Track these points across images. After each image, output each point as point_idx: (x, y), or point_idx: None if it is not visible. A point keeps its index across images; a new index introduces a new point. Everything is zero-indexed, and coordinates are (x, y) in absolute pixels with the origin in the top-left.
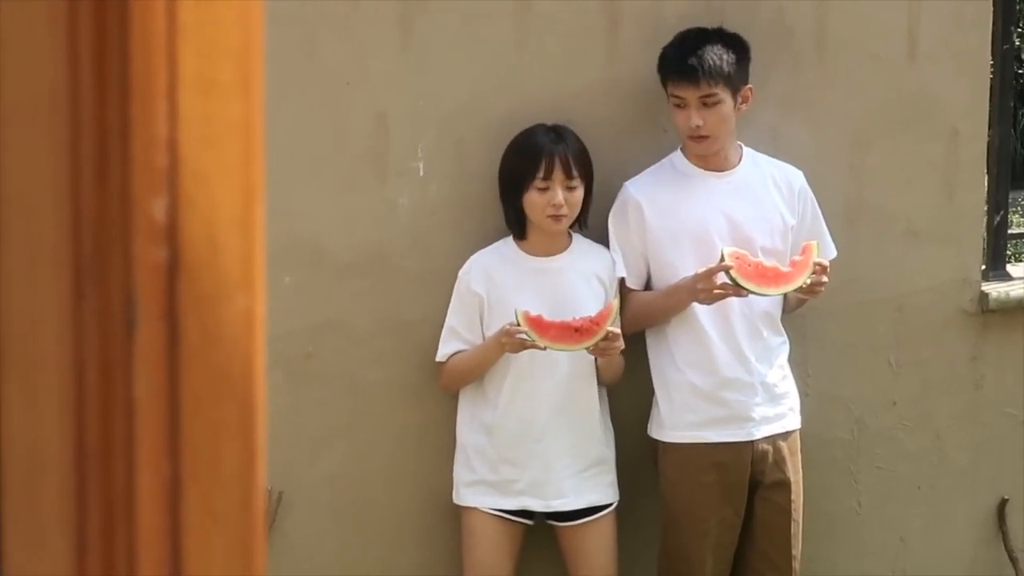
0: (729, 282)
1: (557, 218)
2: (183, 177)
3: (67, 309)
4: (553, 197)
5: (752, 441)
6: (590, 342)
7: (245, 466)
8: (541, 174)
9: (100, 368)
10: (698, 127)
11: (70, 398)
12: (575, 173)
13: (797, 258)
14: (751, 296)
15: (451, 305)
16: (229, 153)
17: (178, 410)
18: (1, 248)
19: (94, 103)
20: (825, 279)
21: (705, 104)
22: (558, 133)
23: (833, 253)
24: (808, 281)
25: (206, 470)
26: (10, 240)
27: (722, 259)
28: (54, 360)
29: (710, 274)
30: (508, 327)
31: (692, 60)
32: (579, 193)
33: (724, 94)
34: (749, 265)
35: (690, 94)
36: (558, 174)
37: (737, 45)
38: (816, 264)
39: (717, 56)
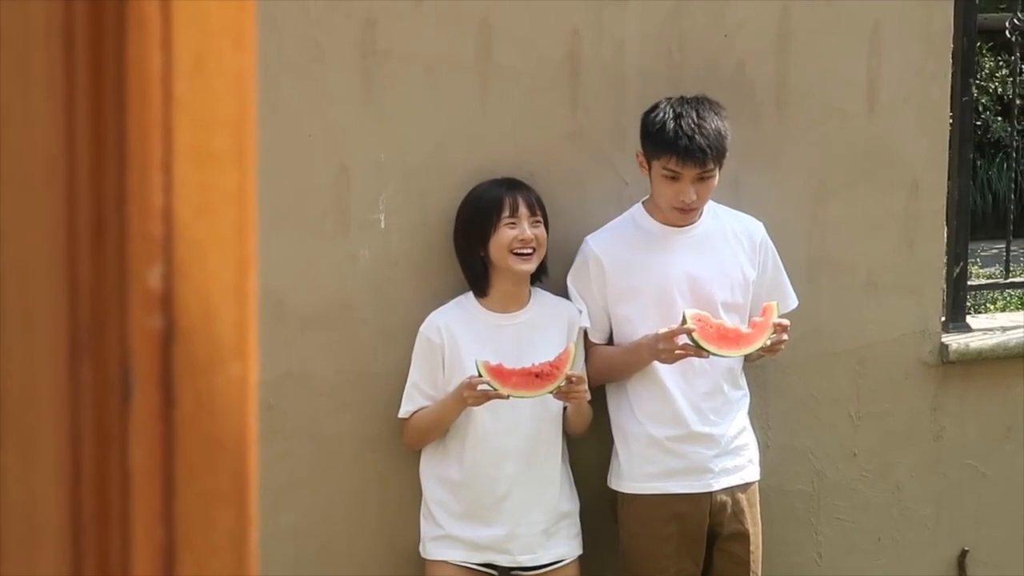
0: (691, 343)
1: (525, 257)
2: (178, 246)
3: (63, 376)
4: (521, 231)
5: (710, 492)
6: (552, 386)
7: (239, 532)
8: (507, 212)
9: (96, 435)
10: (692, 201)
11: (66, 465)
12: (537, 211)
13: (758, 319)
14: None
15: (413, 362)
16: (224, 222)
17: (173, 477)
18: None
19: (90, 173)
20: (786, 337)
21: (701, 179)
22: (511, 181)
23: (794, 303)
24: (768, 341)
25: (200, 536)
26: (7, 308)
27: (684, 321)
28: (50, 427)
29: (672, 335)
30: (469, 380)
31: (700, 140)
32: (543, 231)
33: (718, 168)
34: (710, 327)
35: (690, 172)
36: (523, 210)
37: (723, 113)
38: (776, 324)
39: (720, 134)
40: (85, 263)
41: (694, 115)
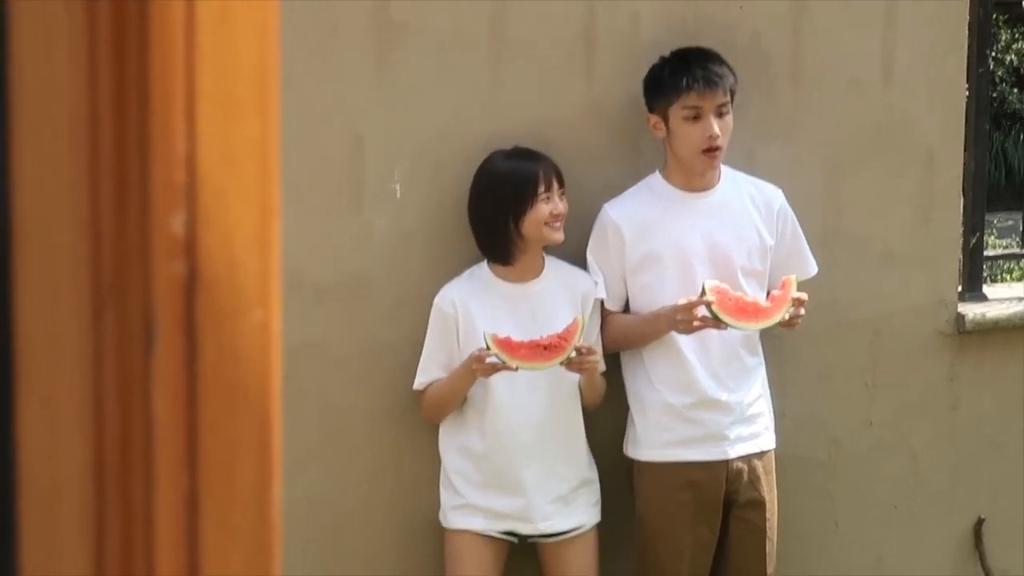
0: (709, 315)
1: (557, 228)
2: (202, 193)
3: (87, 325)
4: (555, 207)
5: (727, 460)
6: (561, 358)
7: (261, 481)
8: (542, 188)
9: (119, 384)
10: (717, 135)
11: (89, 414)
12: (563, 182)
13: (776, 293)
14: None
15: (428, 334)
16: (247, 170)
17: (196, 426)
18: (22, 263)
19: (113, 121)
20: (803, 311)
21: (720, 114)
22: (528, 151)
23: (814, 270)
24: (787, 316)
25: (223, 485)
26: (30, 258)
27: (703, 292)
28: (74, 376)
29: (691, 307)
30: (477, 352)
31: (713, 67)
32: (566, 201)
33: (731, 103)
34: (729, 299)
35: (709, 103)
36: (555, 184)
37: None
38: (794, 298)
39: (727, 64)
40: (108, 211)
41: (697, 53)
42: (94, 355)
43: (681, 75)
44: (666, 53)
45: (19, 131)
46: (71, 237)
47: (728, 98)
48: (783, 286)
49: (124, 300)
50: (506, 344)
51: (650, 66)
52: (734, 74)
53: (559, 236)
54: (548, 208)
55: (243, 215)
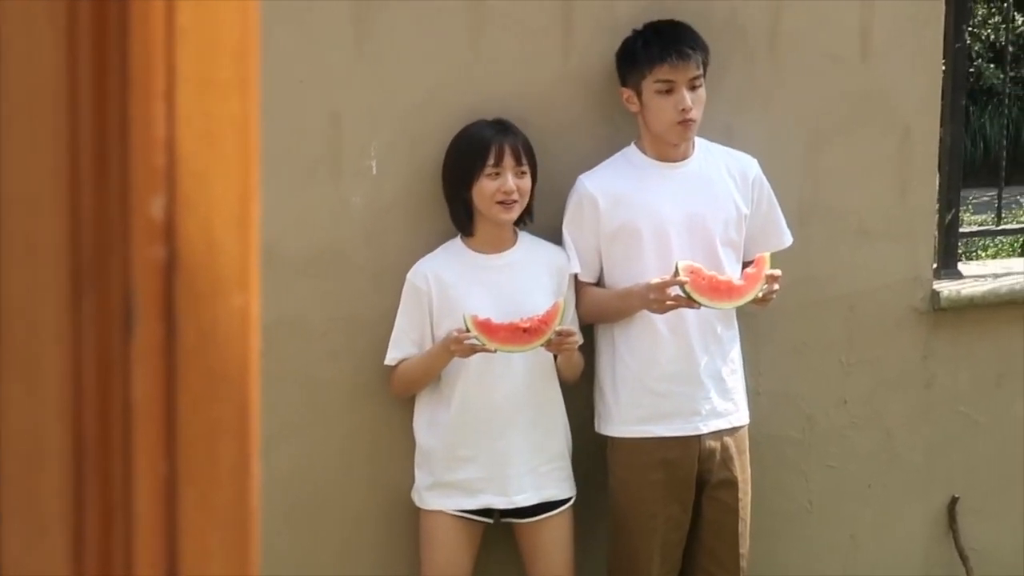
0: (682, 294)
1: (507, 205)
2: (181, 176)
3: (66, 307)
4: (504, 183)
5: (699, 436)
6: (540, 341)
7: (241, 463)
8: (491, 161)
9: (99, 366)
10: (690, 107)
11: (69, 396)
12: (524, 160)
13: (750, 271)
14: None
15: (400, 308)
16: (227, 152)
17: (175, 408)
18: (1, 247)
19: (93, 103)
20: (777, 287)
21: (693, 87)
22: (501, 124)
23: (789, 240)
24: (761, 293)
25: (202, 467)
26: (10, 239)
27: (676, 273)
28: (53, 358)
29: (664, 286)
30: (456, 334)
31: (686, 39)
32: (528, 181)
33: (703, 76)
34: (703, 278)
35: (681, 76)
36: (508, 160)
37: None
38: (768, 275)
39: (698, 40)
40: (88, 194)
41: (670, 26)
42: (73, 338)
43: (653, 49)
44: (639, 26)
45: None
46: (51, 221)
47: (701, 71)
48: (757, 263)
49: (104, 284)
50: (486, 326)
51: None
52: (707, 47)
53: (506, 216)
54: (495, 184)
55: (223, 197)
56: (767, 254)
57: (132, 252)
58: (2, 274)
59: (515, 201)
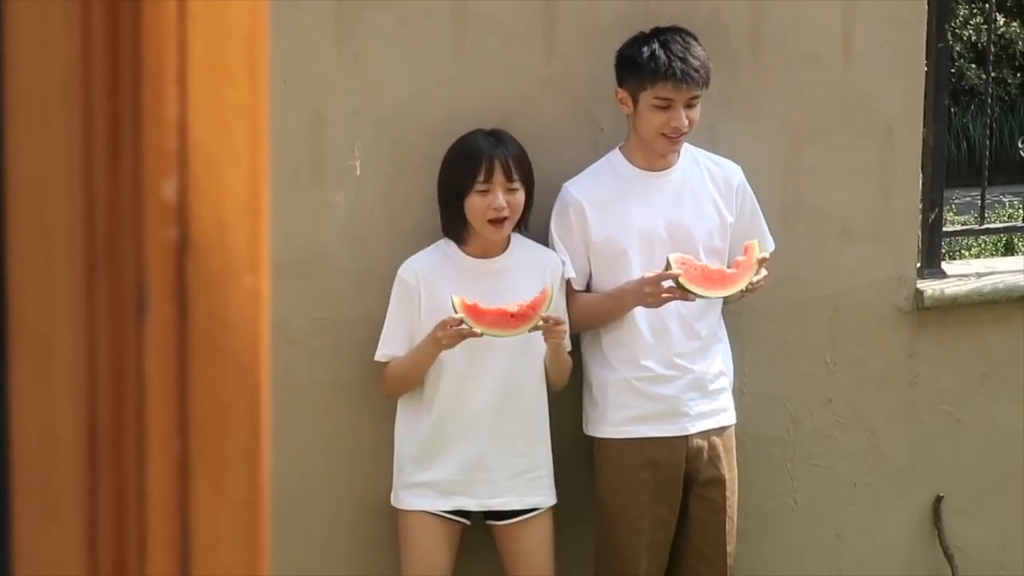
0: (675, 286)
1: (498, 223)
2: (193, 159)
3: (80, 290)
4: (494, 200)
5: (687, 437)
6: (527, 327)
7: (251, 445)
8: (481, 177)
9: (112, 348)
10: (683, 127)
11: (83, 378)
12: (515, 176)
13: (740, 258)
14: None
15: (390, 305)
16: (237, 136)
17: (187, 390)
18: (15, 230)
19: (106, 88)
20: (765, 272)
21: (690, 105)
22: (496, 137)
23: (772, 246)
24: (753, 279)
25: (214, 449)
26: (24, 222)
27: (668, 266)
28: (67, 339)
29: (658, 279)
30: (444, 320)
31: (693, 62)
32: (520, 196)
33: (701, 95)
34: (695, 269)
35: (682, 96)
36: (498, 177)
37: (699, 40)
38: (757, 260)
39: (706, 57)
40: (101, 177)
41: (680, 40)
42: (87, 320)
43: (659, 63)
44: (630, 29)
45: (12, 98)
46: (64, 203)
47: (701, 90)
48: (746, 251)
49: (117, 266)
50: (473, 310)
51: (612, 40)
52: (710, 66)
53: (496, 235)
54: (485, 202)
55: (234, 181)
56: (756, 242)
57: (145, 234)
58: (17, 256)
59: (505, 218)
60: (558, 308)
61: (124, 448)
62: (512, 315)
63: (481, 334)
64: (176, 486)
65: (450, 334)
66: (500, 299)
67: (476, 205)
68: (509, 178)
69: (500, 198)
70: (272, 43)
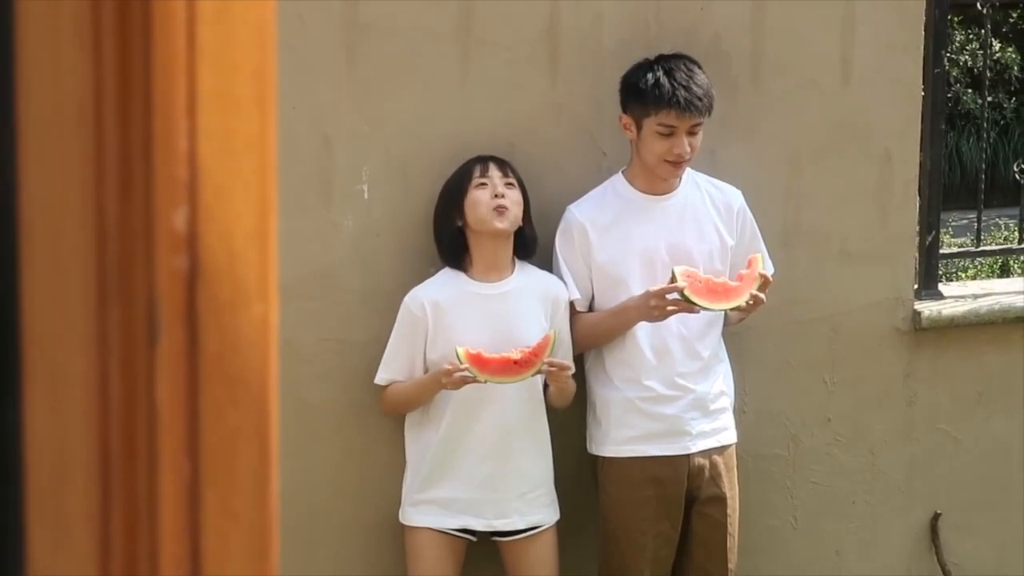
0: (680, 299)
1: (501, 211)
2: (203, 189)
3: (92, 316)
4: (494, 188)
5: (688, 455)
6: (530, 372)
7: (261, 468)
8: (477, 172)
9: (124, 373)
10: (687, 154)
11: (95, 403)
12: (510, 173)
13: (744, 271)
14: (689, 314)
15: (394, 330)
16: (246, 166)
17: (197, 414)
18: (28, 257)
19: (118, 119)
20: (763, 296)
21: (692, 132)
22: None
23: (771, 270)
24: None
25: (224, 472)
26: (37, 249)
27: (673, 279)
28: (80, 366)
29: (663, 292)
30: (447, 366)
31: (697, 90)
32: (517, 194)
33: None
34: (700, 282)
35: (685, 124)
36: (494, 171)
37: (703, 68)
38: (760, 275)
39: (709, 85)
40: (113, 206)
41: (684, 68)
42: (99, 347)
43: (663, 91)
44: (633, 55)
45: (26, 128)
46: (76, 232)
47: (704, 118)
48: (749, 264)
49: (128, 294)
50: (477, 359)
51: (615, 66)
52: (713, 95)
53: (500, 223)
54: (485, 193)
55: (243, 210)
56: (759, 255)
57: (156, 262)
58: (30, 284)
59: (506, 208)
60: (563, 338)
61: (136, 470)
62: (515, 362)
63: (485, 381)
64: (186, 508)
65: (453, 380)
66: (509, 323)
67: (477, 199)
68: (504, 173)
69: (500, 186)
70: (281, 69)
